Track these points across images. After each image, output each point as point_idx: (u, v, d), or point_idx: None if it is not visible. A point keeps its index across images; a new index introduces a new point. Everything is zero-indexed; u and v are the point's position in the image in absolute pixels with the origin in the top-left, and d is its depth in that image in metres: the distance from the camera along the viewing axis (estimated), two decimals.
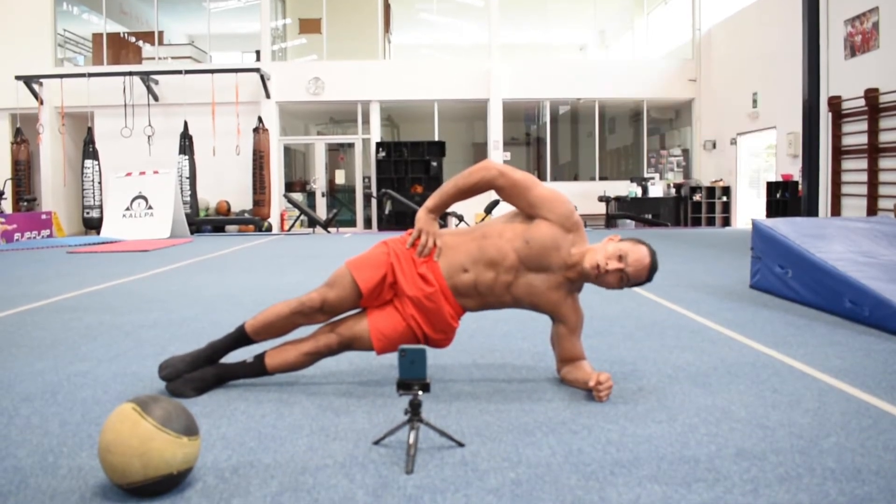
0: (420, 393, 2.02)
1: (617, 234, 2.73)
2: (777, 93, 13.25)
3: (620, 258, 2.56)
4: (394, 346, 2.63)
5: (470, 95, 16.23)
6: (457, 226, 15.12)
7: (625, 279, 2.59)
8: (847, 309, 4.15)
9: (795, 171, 12.65)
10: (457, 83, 16.12)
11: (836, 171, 11.50)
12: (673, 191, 16.20)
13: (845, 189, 11.44)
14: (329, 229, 14.96)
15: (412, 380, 2.01)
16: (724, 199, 15.52)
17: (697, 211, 15.66)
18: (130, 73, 15.05)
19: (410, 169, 16.02)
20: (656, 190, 15.97)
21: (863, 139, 10.83)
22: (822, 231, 5.03)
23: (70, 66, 16.54)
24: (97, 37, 16.46)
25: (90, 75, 15.03)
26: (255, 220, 14.91)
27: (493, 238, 2.63)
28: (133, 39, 16.91)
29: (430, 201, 2.69)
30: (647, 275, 2.61)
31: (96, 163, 14.75)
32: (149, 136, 14.72)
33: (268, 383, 2.81)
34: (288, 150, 17.41)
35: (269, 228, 15.35)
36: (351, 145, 17.08)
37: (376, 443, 2.16)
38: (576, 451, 2.10)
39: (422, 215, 2.68)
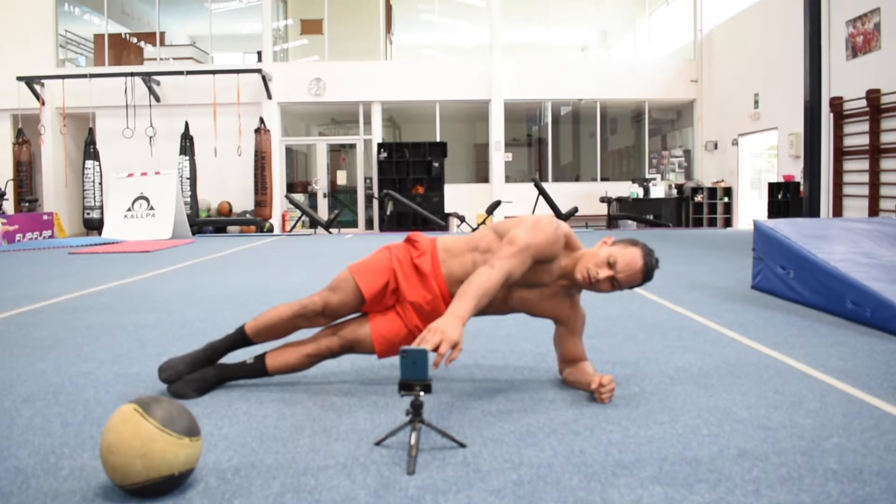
0: (422, 394, 2.02)
1: (611, 237, 2.70)
2: (778, 93, 13.25)
3: (610, 265, 2.51)
4: (395, 351, 2.62)
5: (471, 96, 16.24)
6: (458, 227, 15.13)
7: (617, 285, 2.54)
8: (849, 310, 4.15)
9: (797, 172, 12.64)
10: (458, 84, 16.14)
11: (838, 172, 11.50)
12: (674, 191, 16.19)
13: (847, 190, 11.43)
14: (330, 230, 14.97)
15: (414, 381, 2.01)
16: (726, 199, 15.51)
17: (699, 212, 15.66)
18: (132, 74, 15.08)
19: (412, 170, 16.02)
20: (658, 191, 15.97)
21: (864, 140, 10.83)
22: (823, 232, 5.03)
23: (71, 67, 16.56)
24: (99, 37, 16.48)
25: (92, 76, 15.05)
26: (257, 221, 14.91)
27: (483, 254, 2.59)
28: (134, 40, 16.93)
29: (463, 311, 2.22)
30: (641, 277, 2.54)
31: (97, 163, 14.76)
32: (150, 137, 14.73)
33: (269, 384, 2.81)
34: (289, 151, 17.42)
35: (271, 229, 15.36)
36: (352, 146, 17.09)
37: (378, 443, 2.16)
38: (578, 452, 2.10)
39: (449, 321, 2.14)
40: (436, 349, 2.04)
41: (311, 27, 17.13)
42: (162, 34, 16.70)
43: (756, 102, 14.28)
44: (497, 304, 2.64)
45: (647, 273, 2.55)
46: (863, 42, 10.91)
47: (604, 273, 2.51)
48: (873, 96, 10.50)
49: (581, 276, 2.53)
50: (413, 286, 2.62)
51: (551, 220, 2.55)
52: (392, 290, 2.64)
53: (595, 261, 2.53)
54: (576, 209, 14.34)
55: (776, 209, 13.04)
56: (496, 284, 2.36)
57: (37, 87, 15.24)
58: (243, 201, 15.78)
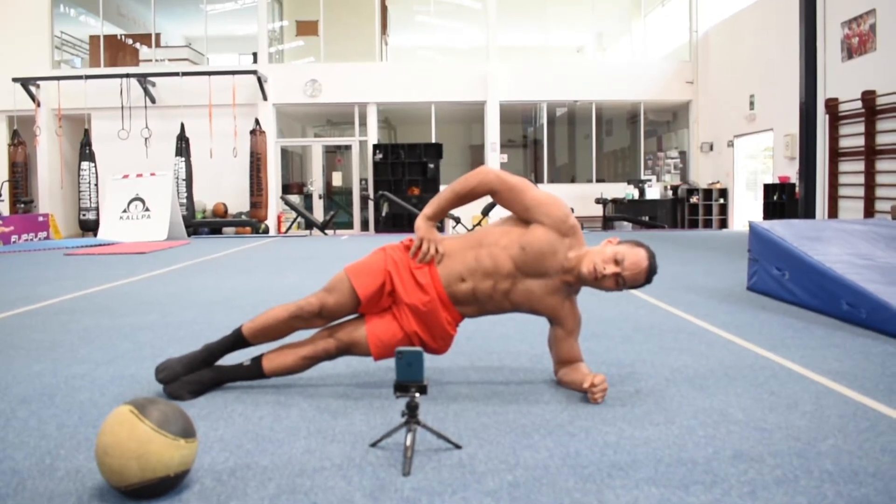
0: (417, 395, 2.02)
1: (615, 237, 2.73)
2: (774, 95, 13.27)
3: (617, 262, 2.56)
4: (391, 353, 2.62)
5: (467, 97, 16.24)
6: (454, 228, 15.13)
7: (621, 283, 2.59)
8: (844, 311, 4.16)
9: (792, 174, 12.67)
10: (454, 85, 16.13)
11: (833, 174, 11.52)
12: (670, 193, 16.22)
13: (842, 191, 11.45)
14: (326, 231, 14.96)
15: (409, 382, 2.01)
16: (722, 201, 15.54)
17: (694, 213, 15.68)
18: (127, 76, 15.04)
19: (407, 171, 16.02)
20: (653, 192, 15.99)
21: (860, 141, 10.85)
22: (819, 233, 5.04)
23: (67, 69, 16.52)
24: (94, 39, 16.46)
25: (87, 77, 15.03)
26: (252, 223, 14.89)
27: (489, 247, 2.62)
28: (130, 41, 16.90)
29: (429, 209, 2.69)
30: (644, 278, 2.60)
31: (93, 165, 14.73)
32: (146, 139, 14.71)
33: (265, 385, 2.80)
34: (285, 153, 17.40)
35: (266, 230, 15.34)
36: (348, 147, 17.08)
37: (373, 445, 2.16)
38: (573, 453, 2.10)
39: (421, 223, 2.66)
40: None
41: (306, 29, 17.12)
42: (157, 36, 16.67)
43: (752, 104, 14.30)
44: (499, 298, 2.64)
45: (650, 274, 2.61)
46: (858, 43, 10.94)
47: (610, 269, 2.55)
48: (869, 98, 10.52)
49: (587, 271, 2.56)
50: (409, 289, 2.62)
51: (565, 204, 2.70)
52: (388, 292, 2.64)
53: (603, 257, 2.58)
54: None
55: (772, 210, 13.07)
56: (471, 185, 2.63)
57: (32, 89, 15.21)
58: (239, 203, 15.77)
